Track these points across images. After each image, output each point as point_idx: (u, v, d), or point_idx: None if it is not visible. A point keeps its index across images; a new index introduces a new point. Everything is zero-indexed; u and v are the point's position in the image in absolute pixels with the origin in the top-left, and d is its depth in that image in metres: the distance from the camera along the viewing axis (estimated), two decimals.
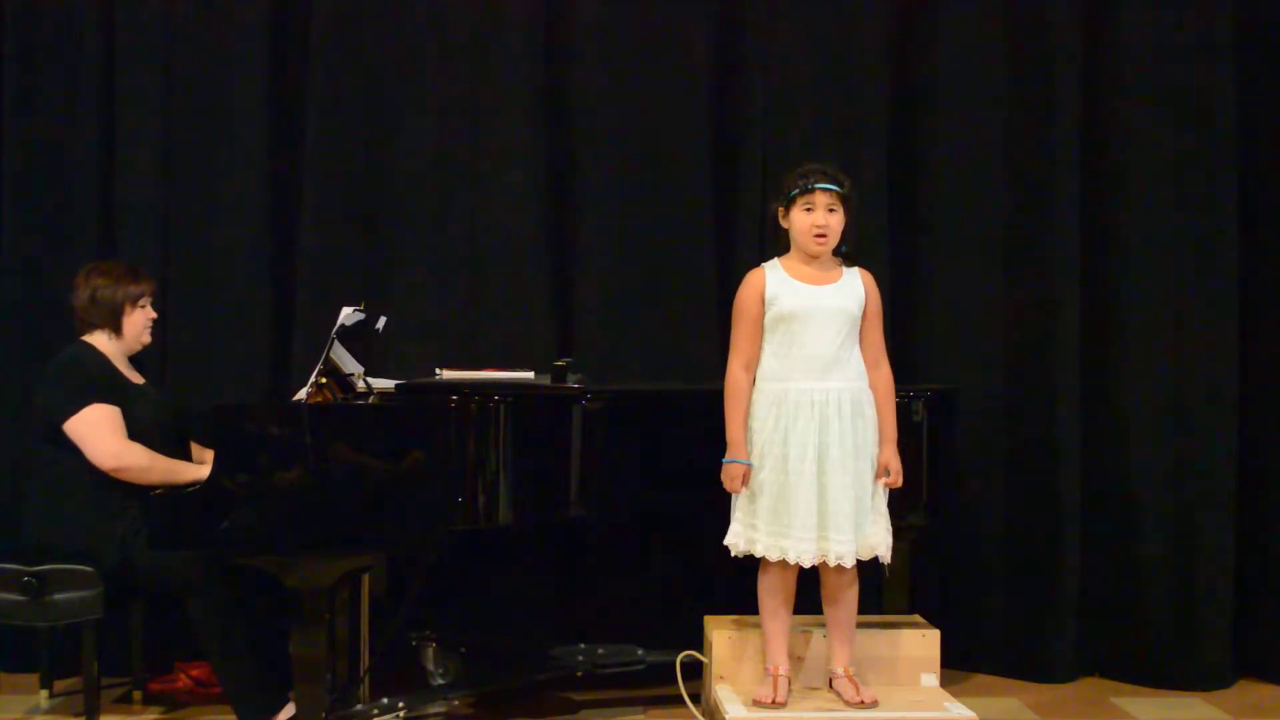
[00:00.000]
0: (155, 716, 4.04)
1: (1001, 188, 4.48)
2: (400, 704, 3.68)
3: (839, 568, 3.49)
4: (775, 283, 3.53)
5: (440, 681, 3.98)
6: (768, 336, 3.54)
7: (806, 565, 3.48)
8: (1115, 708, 4.19)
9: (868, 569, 3.59)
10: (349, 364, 3.90)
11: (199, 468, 3.63)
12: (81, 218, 4.45)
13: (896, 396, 3.64)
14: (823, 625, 3.67)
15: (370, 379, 3.89)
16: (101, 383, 3.75)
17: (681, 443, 3.79)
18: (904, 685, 3.75)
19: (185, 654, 4.20)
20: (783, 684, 3.55)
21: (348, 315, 3.75)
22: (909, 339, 4.50)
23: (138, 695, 4.14)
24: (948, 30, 4.50)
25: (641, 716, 4.02)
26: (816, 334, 3.49)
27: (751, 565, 3.57)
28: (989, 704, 4.08)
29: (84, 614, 3.66)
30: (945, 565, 4.44)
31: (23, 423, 3.95)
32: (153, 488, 3.60)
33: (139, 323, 3.89)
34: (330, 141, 4.47)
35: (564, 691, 4.15)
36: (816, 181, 3.51)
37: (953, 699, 3.64)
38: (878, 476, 3.54)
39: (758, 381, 3.55)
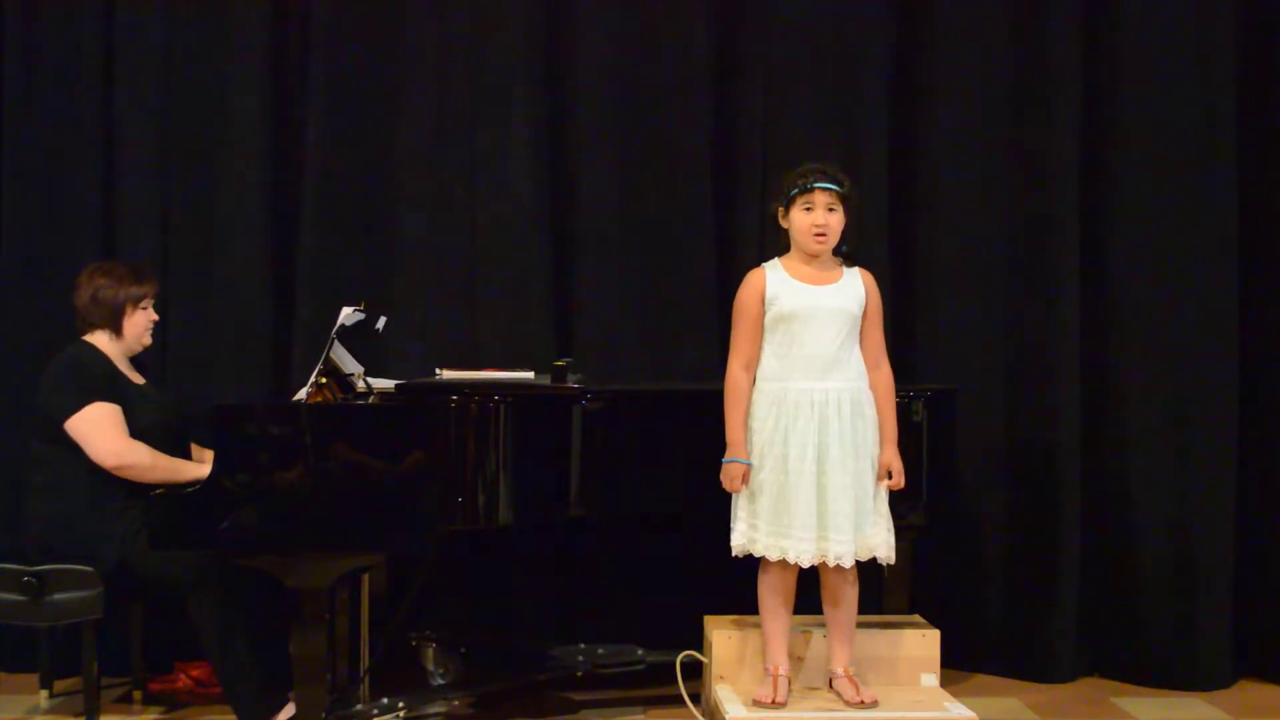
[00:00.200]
0: (155, 716, 4.04)
1: (1001, 187, 4.48)
2: (400, 704, 3.68)
3: (839, 568, 3.49)
4: (775, 283, 3.53)
5: (440, 681, 3.99)
6: (768, 336, 3.54)
7: (806, 565, 3.48)
8: (1115, 708, 4.19)
9: (868, 569, 3.59)
10: (349, 364, 3.90)
11: (200, 466, 3.63)
12: (81, 218, 4.45)
13: (896, 396, 3.64)
14: (823, 625, 3.67)
15: (370, 379, 3.89)
16: (103, 382, 3.75)
17: (681, 443, 3.79)
18: (904, 685, 3.75)
19: (185, 654, 4.20)
20: (783, 684, 3.55)
21: (348, 315, 3.75)
22: (909, 339, 4.50)
23: (138, 695, 4.15)
24: (948, 30, 4.50)
25: (641, 716, 4.02)
26: (817, 334, 3.49)
27: (751, 565, 3.57)
28: (989, 704, 4.09)
29: (84, 614, 3.66)
30: (945, 565, 4.44)
31: (23, 423, 3.95)
32: (153, 487, 3.60)
33: (140, 324, 3.89)
34: (330, 141, 4.47)
35: (564, 691, 4.15)
36: (816, 181, 3.51)
37: (953, 699, 3.64)
38: (879, 478, 3.54)
39: (758, 381, 3.55)
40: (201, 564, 3.59)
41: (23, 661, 4.31)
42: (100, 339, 3.86)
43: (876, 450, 3.54)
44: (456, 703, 3.91)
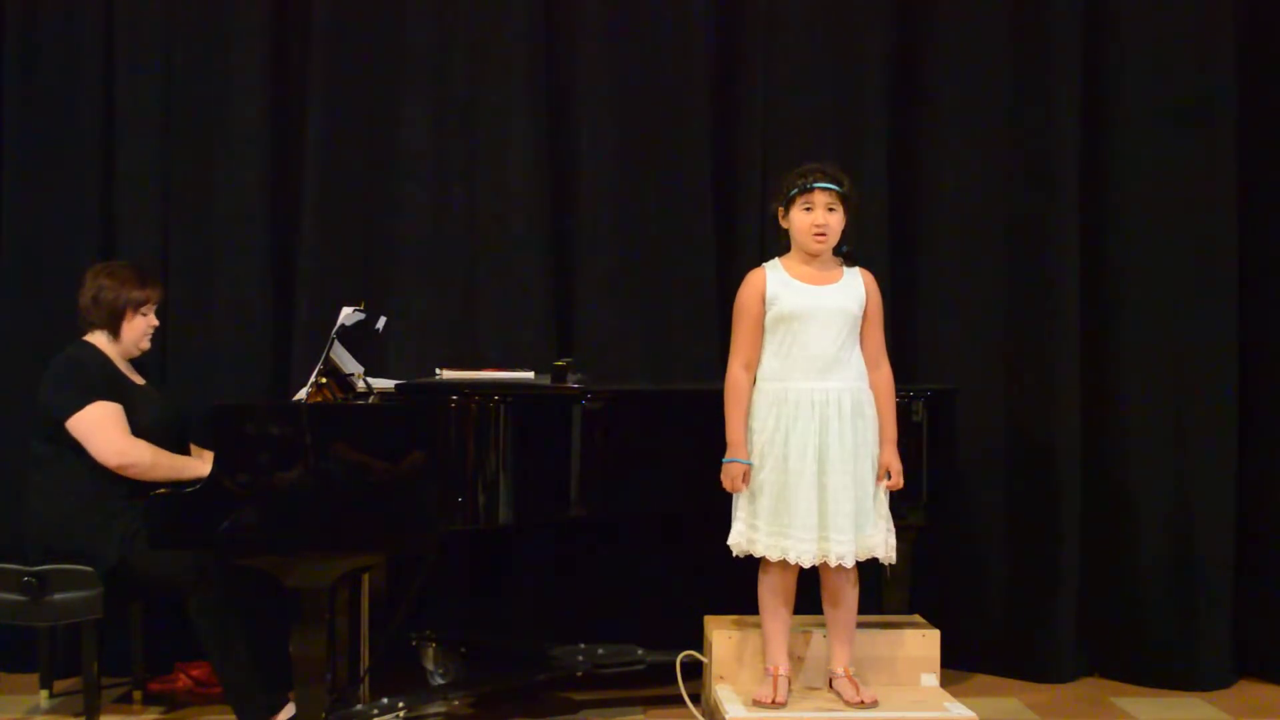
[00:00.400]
0: (155, 716, 4.04)
1: (1001, 187, 4.48)
2: (400, 704, 3.68)
3: (839, 568, 3.49)
4: (776, 283, 3.53)
5: (440, 681, 3.99)
6: (768, 336, 3.54)
7: (807, 565, 3.48)
8: (1115, 708, 4.19)
9: (868, 569, 3.59)
10: (349, 364, 3.90)
11: (202, 464, 3.62)
12: (81, 218, 4.45)
13: (896, 396, 3.64)
14: (823, 625, 3.67)
15: (370, 379, 3.89)
16: (104, 381, 3.76)
17: (681, 443, 3.78)
18: (904, 685, 3.75)
19: (185, 654, 4.20)
20: (783, 684, 3.55)
21: (348, 315, 3.75)
22: (909, 339, 4.50)
23: (138, 695, 4.14)
24: (948, 30, 4.50)
25: (641, 716, 4.02)
26: (817, 334, 3.49)
27: (751, 565, 3.57)
28: (989, 704, 4.08)
29: (84, 614, 3.66)
30: (945, 565, 4.44)
31: (23, 422, 3.94)
32: (154, 486, 3.60)
33: (139, 329, 3.88)
34: (330, 141, 4.47)
35: (564, 691, 4.15)
36: (816, 181, 3.50)
37: (953, 699, 3.64)
38: (879, 478, 3.54)
39: (758, 381, 3.55)
40: (201, 564, 3.60)
41: (23, 661, 4.30)
42: (100, 339, 3.86)
43: (877, 450, 3.54)
44: (456, 703, 3.91)
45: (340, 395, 3.81)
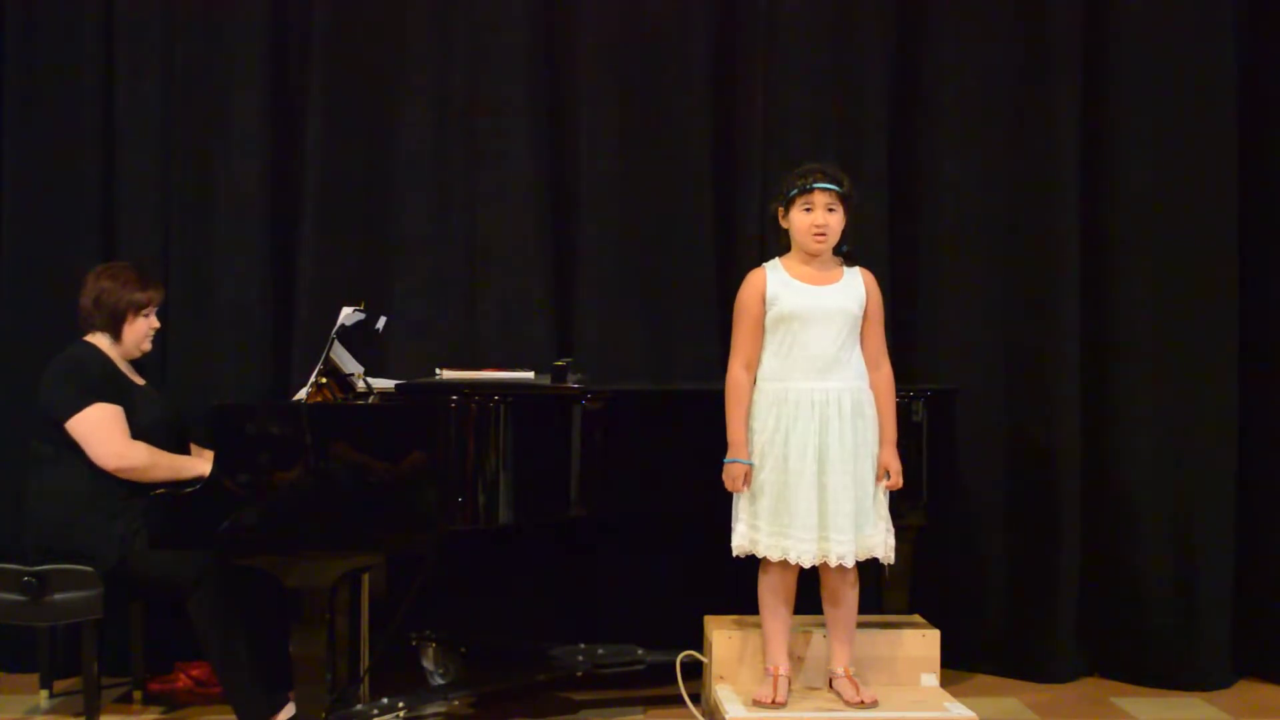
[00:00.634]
0: (155, 716, 4.04)
1: (1001, 187, 4.48)
2: (400, 704, 3.68)
3: (839, 568, 3.49)
4: (776, 283, 3.53)
5: (440, 681, 3.99)
6: (768, 337, 3.54)
7: (807, 565, 3.48)
8: (1115, 708, 4.19)
9: (868, 569, 3.59)
10: (349, 364, 3.90)
11: (202, 463, 3.62)
12: (81, 218, 4.45)
13: (896, 396, 3.64)
14: (823, 625, 3.67)
15: (370, 379, 3.89)
16: (104, 382, 3.75)
17: (681, 443, 3.79)
18: (904, 685, 3.75)
19: (185, 654, 4.20)
20: (783, 684, 3.55)
21: (348, 315, 3.75)
22: (909, 339, 4.50)
23: (138, 695, 4.14)
24: (948, 30, 4.50)
25: (641, 716, 4.02)
26: (817, 334, 3.50)
27: (751, 565, 3.57)
28: (989, 704, 4.09)
29: (84, 614, 3.66)
30: (945, 565, 4.44)
31: (23, 422, 3.94)
32: (154, 486, 3.60)
33: (140, 331, 3.88)
34: (330, 141, 4.47)
35: (564, 691, 4.15)
36: (815, 181, 3.51)
37: (953, 699, 3.64)
38: (878, 478, 3.54)
39: (758, 381, 3.55)
40: (201, 564, 3.59)
41: (23, 661, 4.30)
42: (101, 340, 3.86)
43: (877, 450, 3.54)
44: (456, 703, 3.91)
45: (340, 395, 3.81)
